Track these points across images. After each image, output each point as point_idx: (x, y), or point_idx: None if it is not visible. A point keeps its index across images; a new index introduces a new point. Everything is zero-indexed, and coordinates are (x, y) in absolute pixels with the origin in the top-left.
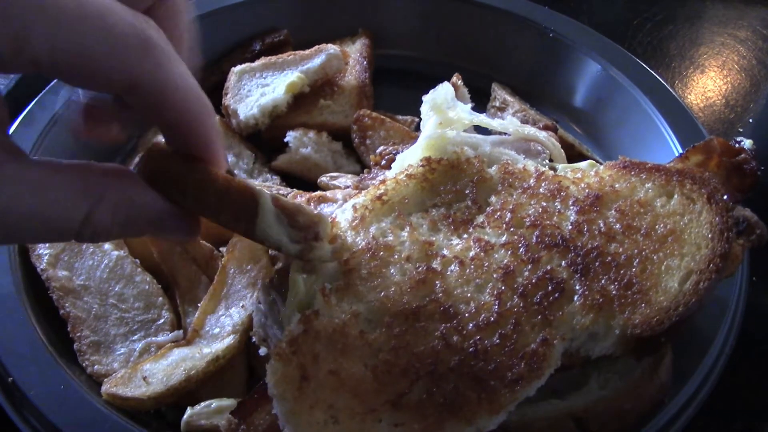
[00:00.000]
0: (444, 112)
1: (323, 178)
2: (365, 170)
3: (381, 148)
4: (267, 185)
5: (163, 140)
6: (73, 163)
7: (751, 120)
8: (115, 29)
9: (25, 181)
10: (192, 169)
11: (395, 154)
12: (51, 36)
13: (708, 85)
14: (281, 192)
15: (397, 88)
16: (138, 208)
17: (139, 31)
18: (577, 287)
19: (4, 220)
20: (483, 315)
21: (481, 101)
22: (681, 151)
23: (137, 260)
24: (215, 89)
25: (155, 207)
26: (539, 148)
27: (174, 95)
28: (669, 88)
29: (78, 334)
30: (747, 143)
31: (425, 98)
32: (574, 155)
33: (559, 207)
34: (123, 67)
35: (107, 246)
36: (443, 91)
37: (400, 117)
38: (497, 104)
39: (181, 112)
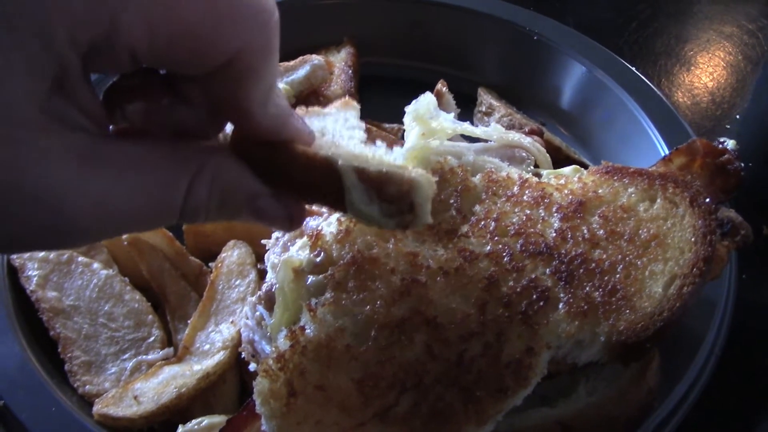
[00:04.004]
0: (426, 122)
1: None
2: None
3: None
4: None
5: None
6: (166, 139)
7: (738, 116)
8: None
9: (124, 161)
10: (275, 149)
11: None
12: (146, 14)
13: (695, 83)
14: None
15: (383, 96)
16: (234, 184)
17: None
18: (562, 295)
19: (107, 207)
20: (468, 326)
21: (467, 106)
22: (667, 150)
23: (126, 278)
24: None
25: (250, 184)
26: (524, 154)
27: (270, 65)
28: (654, 87)
29: (69, 355)
30: (730, 144)
31: (408, 109)
32: (560, 158)
33: (542, 214)
34: (230, 36)
35: (96, 265)
36: (425, 101)
37: (386, 125)
38: (483, 109)
39: (269, 88)
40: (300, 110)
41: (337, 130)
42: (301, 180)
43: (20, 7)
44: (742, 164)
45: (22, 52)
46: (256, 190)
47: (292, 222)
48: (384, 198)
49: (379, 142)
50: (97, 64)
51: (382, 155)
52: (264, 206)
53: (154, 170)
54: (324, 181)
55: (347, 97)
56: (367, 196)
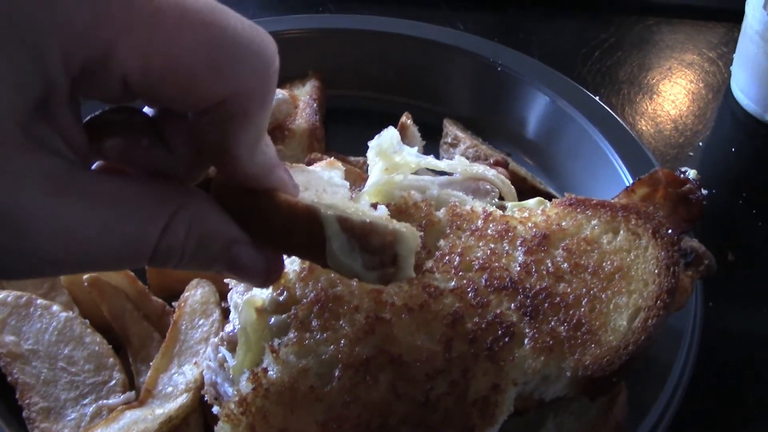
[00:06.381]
0: (390, 157)
1: None
2: None
3: None
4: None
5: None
6: (145, 177)
7: (700, 143)
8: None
9: (100, 192)
10: (257, 196)
11: None
12: (144, 44)
13: (657, 111)
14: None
15: (349, 129)
16: (214, 227)
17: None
18: (527, 330)
19: (77, 238)
20: (433, 363)
21: (433, 138)
22: (631, 179)
23: (87, 320)
24: None
25: (229, 230)
26: (488, 186)
27: (263, 112)
28: (617, 117)
29: (27, 401)
30: (692, 173)
31: (371, 144)
32: (526, 189)
33: (507, 248)
34: (226, 78)
35: (55, 308)
36: (388, 136)
37: (351, 158)
38: (449, 140)
39: (257, 135)
40: (285, 165)
41: (321, 186)
42: (282, 229)
43: (17, 15)
44: (705, 192)
45: (9, 63)
46: (235, 236)
47: (269, 276)
48: (367, 249)
49: (363, 200)
50: (86, 90)
51: (365, 209)
52: (242, 254)
53: (131, 205)
54: (305, 230)
55: (332, 158)
56: (349, 246)
